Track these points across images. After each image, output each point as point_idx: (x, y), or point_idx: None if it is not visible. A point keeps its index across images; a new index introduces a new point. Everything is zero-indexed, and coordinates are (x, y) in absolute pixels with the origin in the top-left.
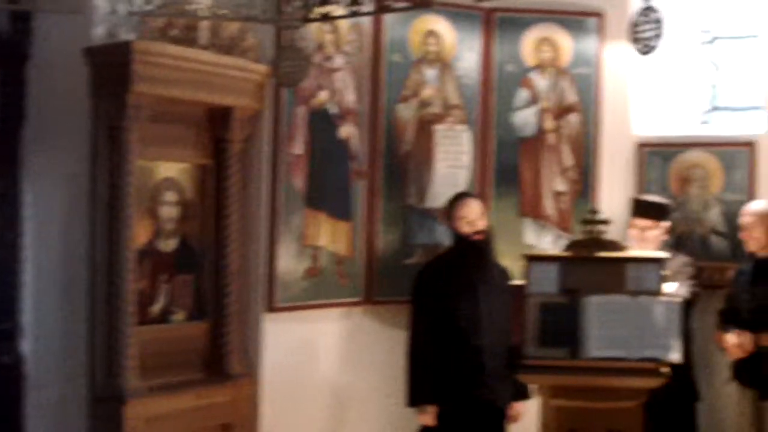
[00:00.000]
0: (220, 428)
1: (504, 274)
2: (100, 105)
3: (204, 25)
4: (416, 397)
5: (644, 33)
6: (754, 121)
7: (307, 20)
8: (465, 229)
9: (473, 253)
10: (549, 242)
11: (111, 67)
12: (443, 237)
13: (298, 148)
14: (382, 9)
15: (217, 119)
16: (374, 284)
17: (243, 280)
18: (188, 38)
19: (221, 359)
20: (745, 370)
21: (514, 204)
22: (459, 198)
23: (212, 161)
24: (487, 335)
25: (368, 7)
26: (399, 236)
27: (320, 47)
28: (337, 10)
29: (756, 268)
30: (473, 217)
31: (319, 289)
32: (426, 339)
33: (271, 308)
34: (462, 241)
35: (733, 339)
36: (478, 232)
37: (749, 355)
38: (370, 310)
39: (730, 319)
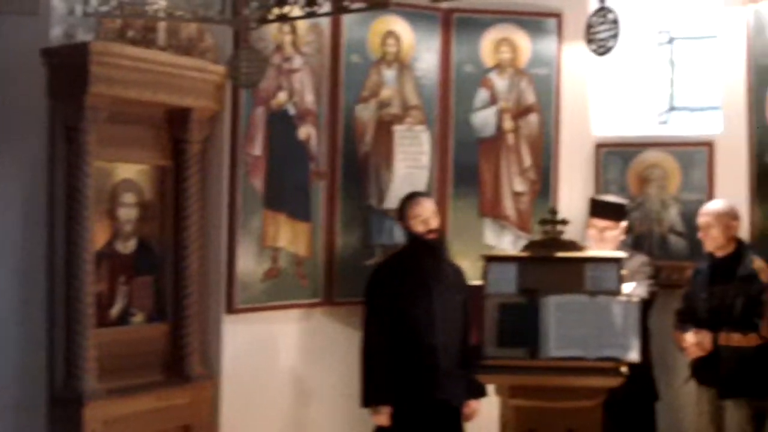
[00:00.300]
0: (180, 430)
1: (458, 273)
2: (58, 106)
3: (162, 26)
4: (370, 398)
5: (600, 34)
6: (711, 121)
7: (264, 21)
8: (419, 228)
9: (427, 252)
10: (509, 242)
11: (68, 68)
12: (403, 237)
13: (257, 149)
14: (339, 10)
15: (176, 120)
16: (334, 285)
17: (202, 281)
18: (146, 39)
19: (181, 361)
20: (704, 370)
21: (474, 204)
22: (412, 197)
23: (171, 162)
24: (441, 335)
25: (325, 8)
26: (359, 237)
27: (279, 48)
28: (294, 11)
29: (713, 267)
30: (427, 215)
31: (278, 290)
32: (379, 339)
33: (231, 309)
34: (416, 240)
35: (691, 338)
36: (431, 231)
37: (708, 354)
38: (329, 310)
39: (687, 319)
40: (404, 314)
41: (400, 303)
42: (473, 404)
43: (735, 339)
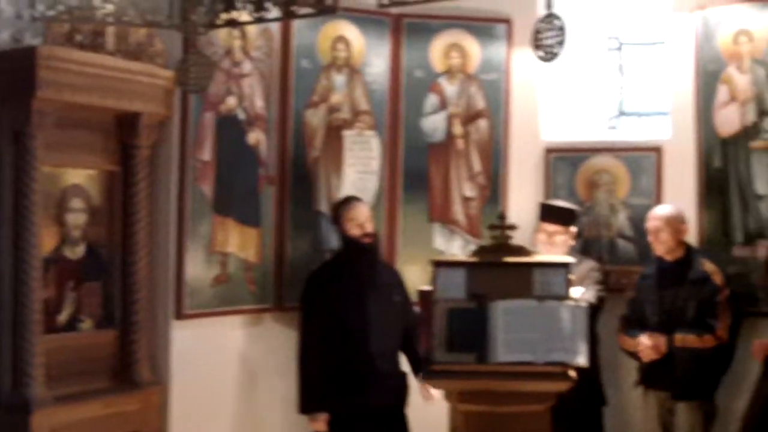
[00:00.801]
0: None
1: (394, 275)
2: (5, 110)
3: (111, 31)
4: (307, 405)
5: (547, 40)
6: (660, 126)
7: (212, 26)
8: (354, 231)
9: (362, 256)
10: (458, 247)
11: (15, 73)
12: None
13: (206, 154)
14: (287, 15)
15: (125, 125)
16: (283, 290)
17: (151, 287)
18: (95, 44)
19: (130, 367)
20: (654, 373)
21: (423, 209)
22: (347, 201)
23: (120, 167)
24: (377, 339)
25: (274, 13)
26: (308, 242)
27: (228, 53)
28: (242, 16)
29: (662, 271)
30: (362, 219)
31: (228, 296)
32: (315, 345)
33: (180, 315)
34: (351, 243)
35: (646, 341)
36: (367, 235)
37: (661, 357)
38: (279, 316)
39: (634, 324)
40: (339, 320)
41: (335, 308)
42: (426, 385)
43: (690, 341)
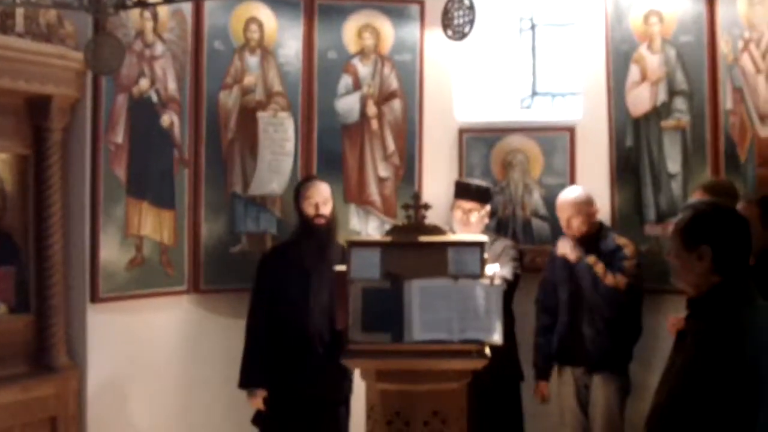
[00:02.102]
0: (46, 422)
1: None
2: None
3: (20, 13)
4: (244, 380)
5: (456, 20)
6: (573, 106)
7: (122, 7)
8: (309, 210)
9: (312, 236)
10: (374, 228)
11: None
12: (269, 224)
13: (119, 136)
14: None
15: (36, 108)
16: (200, 273)
17: (66, 271)
18: (4, 25)
19: (45, 352)
20: (569, 349)
21: (339, 190)
22: (308, 179)
23: (31, 151)
24: (317, 322)
25: None
26: (224, 224)
27: (140, 34)
28: None
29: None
30: (318, 199)
31: (144, 279)
32: (257, 323)
33: (95, 299)
34: (304, 224)
35: (564, 246)
36: (320, 216)
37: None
38: (196, 298)
39: (549, 305)
40: (280, 300)
41: (279, 288)
42: None
43: (599, 268)
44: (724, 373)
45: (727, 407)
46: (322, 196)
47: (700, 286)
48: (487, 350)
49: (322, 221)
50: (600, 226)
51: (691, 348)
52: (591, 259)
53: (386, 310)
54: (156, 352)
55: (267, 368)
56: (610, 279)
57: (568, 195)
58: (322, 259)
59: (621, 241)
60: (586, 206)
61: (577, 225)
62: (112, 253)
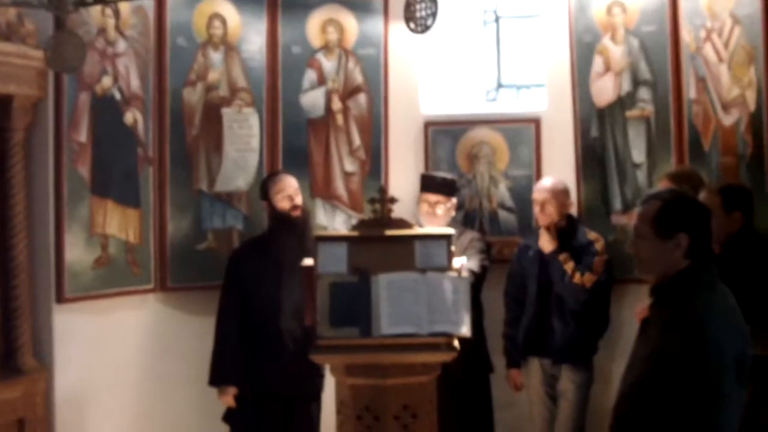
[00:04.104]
0: (13, 424)
1: None
2: None
3: None
4: (216, 377)
5: (419, 12)
6: (537, 97)
7: (82, 4)
8: (283, 204)
9: (288, 230)
10: (341, 222)
11: None
12: (235, 221)
13: (83, 135)
14: None
15: None
16: (166, 271)
17: (31, 271)
18: None
19: (12, 354)
20: (536, 340)
21: (305, 185)
22: (274, 174)
23: None
24: (289, 318)
25: None
26: (190, 222)
27: (102, 32)
28: None
29: None
30: (291, 191)
31: (110, 278)
32: (229, 319)
33: (61, 299)
34: (278, 218)
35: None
36: (296, 208)
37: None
38: (163, 297)
39: (517, 296)
40: (252, 295)
41: (249, 283)
42: None
43: (570, 266)
44: (687, 358)
45: (690, 393)
46: (293, 188)
47: (667, 273)
48: (456, 343)
49: (299, 213)
50: (570, 220)
51: (654, 335)
52: (563, 256)
53: (354, 305)
54: (124, 351)
55: (238, 365)
56: (577, 278)
57: (548, 181)
58: (302, 252)
59: (592, 235)
60: (562, 195)
61: (550, 211)
62: (78, 252)
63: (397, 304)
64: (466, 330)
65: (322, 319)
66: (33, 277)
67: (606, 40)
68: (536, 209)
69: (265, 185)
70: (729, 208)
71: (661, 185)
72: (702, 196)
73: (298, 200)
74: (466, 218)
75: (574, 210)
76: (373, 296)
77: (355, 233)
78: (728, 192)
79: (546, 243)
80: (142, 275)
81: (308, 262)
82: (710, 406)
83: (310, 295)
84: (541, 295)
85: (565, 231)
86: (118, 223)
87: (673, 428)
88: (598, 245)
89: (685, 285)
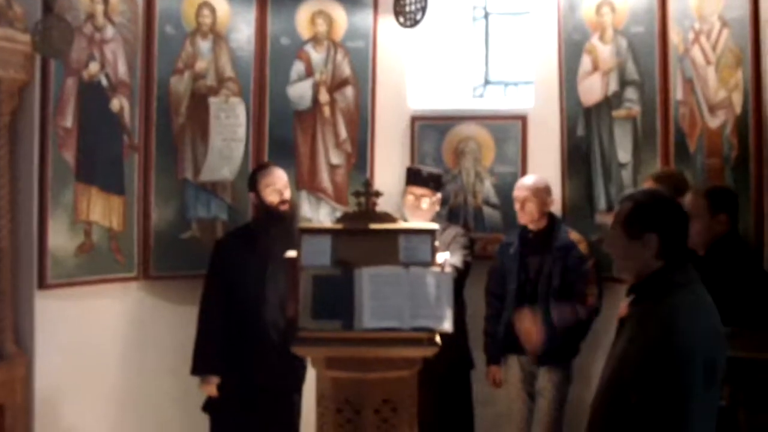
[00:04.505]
0: None
1: None
2: None
3: None
4: (198, 366)
5: (408, 6)
6: (525, 95)
7: None
8: (272, 197)
9: (274, 223)
10: (325, 215)
11: None
12: (220, 211)
13: (68, 121)
14: None
15: None
16: (150, 259)
17: (13, 257)
18: None
19: None
20: (517, 338)
21: (291, 177)
22: (265, 166)
23: None
24: (274, 310)
25: None
26: (174, 210)
27: (90, 17)
28: None
29: (524, 240)
30: (280, 185)
31: (93, 265)
32: (213, 309)
33: (43, 285)
34: (265, 211)
35: (526, 324)
36: (284, 202)
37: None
38: (146, 285)
39: (498, 293)
40: (235, 286)
41: (233, 274)
42: None
43: (567, 313)
44: (655, 353)
45: (658, 388)
46: (282, 182)
47: (642, 273)
48: (438, 338)
49: (286, 207)
50: (552, 219)
51: (628, 333)
52: (555, 314)
53: (337, 298)
54: (105, 339)
55: (221, 355)
56: (583, 312)
57: (529, 179)
58: (288, 245)
59: (574, 236)
60: (543, 193)
61: (530, 209)
62: (61, 238)
63: (380, 298)
64: (448, 325)
65: (304, 311)
66: (15, 263)
67: (594, 40)
68: (517, 207)
69: (254, 177)
70: (715, 211)
71: (646, 186)
72: (688, 198)
73: (287, 194)
74: (451, 214)
75: (558, 208)
76: (356, 290)
77: (339, 226)
78: (714, 195)
79: (530, 337)
80: (125, 263)
81: (292, 254)
82: (678, 402)
83: (293, 287)
84: (520, 294)
85: (547, 230)
86: (102, 210)
87: (643, 423)
88: (582, 247)
89: (658, 284)
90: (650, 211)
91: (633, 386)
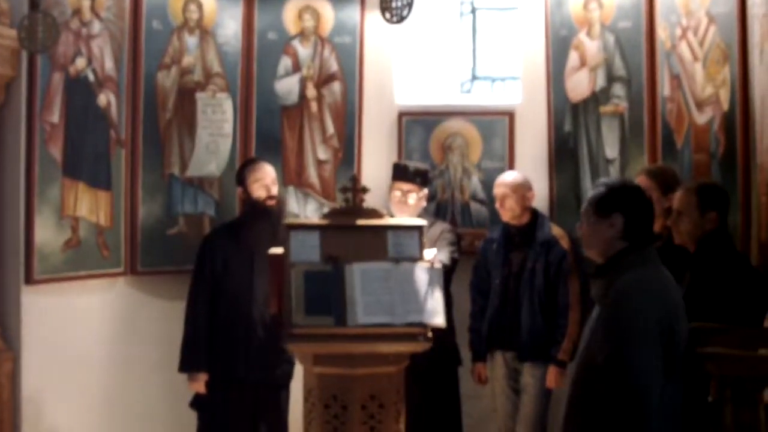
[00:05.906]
0: None
1: None
2: None
3: None
4: (186, 363)
5: (395, 2)
6: (512, 91)
7: None
8: (259, 193)
9: (266, 219)
10: (312, 210)
11: None
12: (207, 206)
13: (55, 116)
14: None
15: None
16: (137, 255)
17: (0, 252)
18: None
19: None
20: (501, 334)
21: (278, 172)
22: (252, 162)
23: None
24: (261, 305)
25: None
26: (161, 206)
27: (77, 12)
28: None
29: (508, 235)
30: (268, 181)
31: (80, 261)
32: (198, 306)
33: (30, 280)
34: (252, 206)
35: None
36: (272, 197)
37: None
38: (133, 280)
39: (482, 288)
40: (223, 282)
41: (221, 270)
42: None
43: (564, 350)
44: (611, 326)
45: (615, 360)
46: (271, 178)
47: (608, 252)
48: (429, 333)
49: (273, 202)
50: (534, 214)
51: (597, 310)
52: (552, 373)
53: (328, 294)
54: (92, 335)
55: (208, 351)
56: (573, 327)
57: (508, 175)
58: (275, 241)
59: (556, 231)
60: (522, 188)
61: (510, 205)
62: (48, 234)
63: (371, 294)
64: (440, 320)
65: (296, 307)
66: (2, 258)
67: (582, 35)
68: (497, 204)
69: (242, 172)
70: (704, 208)
71: (638, 180)
72: (678, 194)
73: (275, 190)
74: (438, 209)
75: (543, 201)
76: (347, 285)
77: (326, 222)
78: (705, 192)
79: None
80: (112, 258)
81: (276, 250)
82: (634, 375)
83: (276, 284)
84: (504, 288)
85: (530, 225)
86: (89, 205)
87: (604, 396)
88: (564, 243)
89: (619, 262)
90: (618, 194)
91: (594, 360)
